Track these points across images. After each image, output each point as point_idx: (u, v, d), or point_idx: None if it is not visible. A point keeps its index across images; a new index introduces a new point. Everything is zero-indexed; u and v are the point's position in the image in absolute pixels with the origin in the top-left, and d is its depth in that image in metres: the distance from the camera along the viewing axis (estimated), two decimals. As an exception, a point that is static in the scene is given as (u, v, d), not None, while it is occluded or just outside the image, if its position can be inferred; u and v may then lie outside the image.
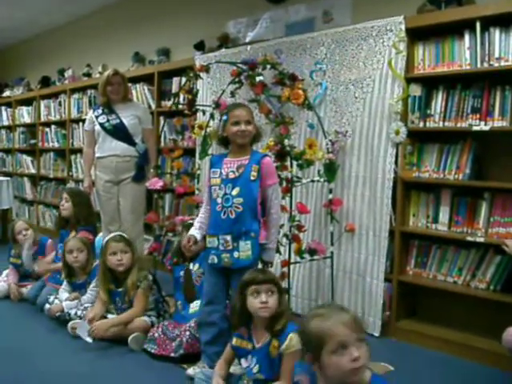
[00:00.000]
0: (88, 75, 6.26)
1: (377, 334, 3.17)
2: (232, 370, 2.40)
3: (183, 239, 2.73)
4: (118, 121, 4.03)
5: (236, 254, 2.47)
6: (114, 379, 2.61)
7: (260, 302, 2.19)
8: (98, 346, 2.95)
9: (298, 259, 3.15)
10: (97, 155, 4.12)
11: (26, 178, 7.24)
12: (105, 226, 4.16)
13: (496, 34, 2.78)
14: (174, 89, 4.61)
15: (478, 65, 2.84)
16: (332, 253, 3.32)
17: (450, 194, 3.04)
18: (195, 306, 3.00)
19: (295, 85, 3.17)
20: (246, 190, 2.47)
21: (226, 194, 2.49)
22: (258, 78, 3.20)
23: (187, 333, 2.75)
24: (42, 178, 6.89)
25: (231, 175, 2.51)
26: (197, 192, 4.18)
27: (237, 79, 3.40)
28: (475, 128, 2.85)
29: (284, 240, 3.10)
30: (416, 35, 3.09)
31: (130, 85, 4.45)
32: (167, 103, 4.69)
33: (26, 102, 7.29)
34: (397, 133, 3.07)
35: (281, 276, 3.00)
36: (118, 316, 3.08)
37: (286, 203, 3.09)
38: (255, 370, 2.23)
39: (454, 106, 2.97)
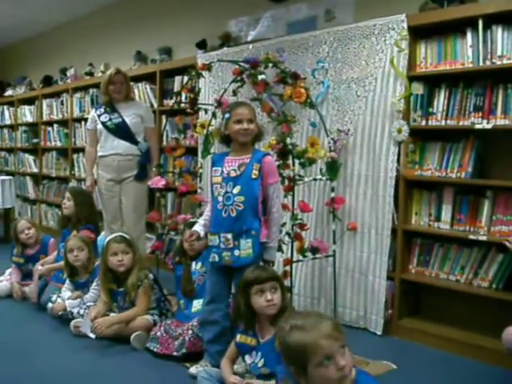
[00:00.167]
0: (90, 74, 6.26)
1: (379, 333, 3.17)
2: (234, 368, 2.40)
3: (186, 235, 2.73)
4: (120, 120, 4.04)
5: (237, 253, 2.47)
6: (116, 378, 2.61)
7: (266, 300, 2.22)
8: (100, 344, 2.95)
9: (301, 258, 3.15)
10: (99, 154, 4.13)
11: (28, 177, 7.25)
12: (107, 224, 4.17)
13: (498, 31, 2.77)
14: (176, 87, 4.61)
15: (481, 63, 2.84)
16: (334, 251, 3.32)
17: (452, 192, 3.04)
18: (198, 305, 3.00)
19: (297, 83, 3.17)
20: (247, 188, 2.47)
21: (227, 192, 2.49)
22: (259, 77, 3.20)
23: (190, 331, 2.75)
24: (45, 177, 6.90)
25: (232, 173, 2.51)
26: (199, 191, 4.18)
27: (239, 78, 3.40)
28: (477, 126, 2.84)
29: (286, 238, 3.10)
30: (418, 33, 3.08)
31: (132, 84, 4.46)
32: (169, 102, 4.68)
33: (28, 101, 7.30)
34: (399, 131, 3.07)
35: (283, 274, 3.00)
36: (121, 314, 3.08)
37: (288, 202, 3.10)
38: (260, 364, 2.24)
39: (457, 104, 2.96)
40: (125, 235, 3.25)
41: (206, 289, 2.68)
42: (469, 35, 2.88)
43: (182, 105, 4.11)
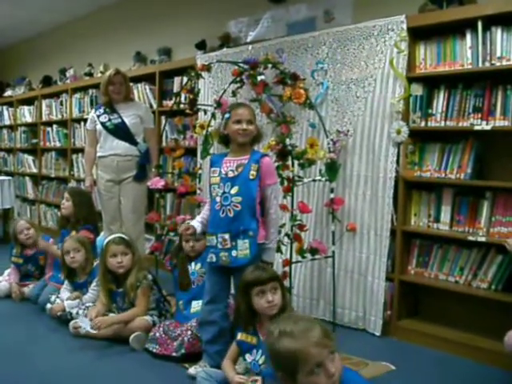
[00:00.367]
0: (89, 75, 6.26)
1: (378, 334, 3.17)
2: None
3: (182, 227, 2.70)
4: (119, 120, 4.03)
5: (234, 253, 2.47)
6: (115, 379, 2.61)
7: (267, 301, 2.23)
8: (99, 345, 2.95)
9: (300, 258, 3.15)
10: (98, 154, 4.13)
11: (27, 178, 7.24)
12: (106, 225, 4.17)
13: (498, 33, 2.77)
14: (176, 88, 4.60)
15: (480, 64, 2.84)
16: (333, 252, 3.32)
17: (451, 193, 3.04)
18: (197, 305, 3.00)
19: (297, 84, 3.17)
20: (244, 188, 2.47)
21: (224, 192, 2.50)
22: (259, 78, 3.20)
23: (189, 332, 2.76)
24: (44, 178, 6.90)
25: (230, 174, 2.51)
26: (198, 192, 4.18)
27: (238, 79, 3.40)
28: (477, 127, 2.84)
29: (285, 239, 3.10)
30: (418, 34, 3.08)
31: (131, 84, 4.46)
32: (169, 103, 4.69)
33: (28, 102, 7.30)
34: (398, 132, 3.07)
35: (282, 275, 3.00)
36: (120, 314, 3.08)
37: (287, 202, 3.10)
38: (261, 361, 2.25)
39: (456, 105, 2.97)
40: (124, 236, 3.25)
41: (205, 289, 2.68)
42: (468, 36, 2.88)
43: (182, 105, 4.11)
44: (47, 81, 7.07)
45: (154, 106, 4.89)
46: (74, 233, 3.81)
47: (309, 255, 3.15)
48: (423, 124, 3.09)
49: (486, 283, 2.88)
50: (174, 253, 3.29)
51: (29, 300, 3.75)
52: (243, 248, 2.46)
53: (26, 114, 7.28)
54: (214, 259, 2.52)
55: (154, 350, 2.83)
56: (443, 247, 3.08)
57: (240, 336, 2.35)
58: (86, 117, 5.33)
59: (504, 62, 2.76)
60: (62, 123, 6.45)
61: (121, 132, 4.03)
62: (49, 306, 3.42)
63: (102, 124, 4.05)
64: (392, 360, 2.75)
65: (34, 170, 7.08)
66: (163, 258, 4.40)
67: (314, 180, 3.32)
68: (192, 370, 2.56)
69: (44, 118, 6.85)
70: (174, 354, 2.76)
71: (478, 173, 2.96)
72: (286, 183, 3.05)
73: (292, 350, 1.56)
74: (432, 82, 3.08)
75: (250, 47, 3.85)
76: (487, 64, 2.81)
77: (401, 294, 3.18)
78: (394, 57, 3.08)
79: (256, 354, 2.29)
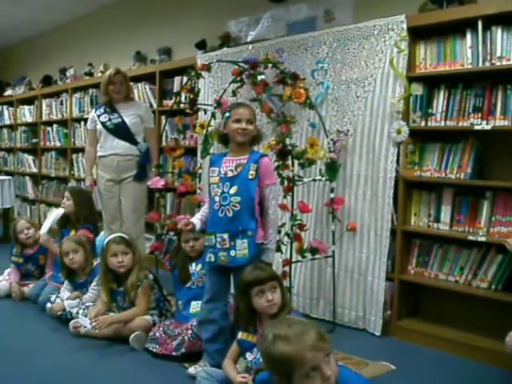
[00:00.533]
0: (90, 74, 6.26)
1: (378, 333, 3.17)
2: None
3: (181, 223, 2.68)
4: (119, 120, 4.03)
5: (233, 253, 2.47)
6: (115, 378, 2.61)
7: (266, 300, 2.24)
8: (99, 344, 2.95)
9: (300, 258, 3.15)
10: (98, 154, 4.13)
11: (27, 177, 7.24)
12: (106, 225, 4.17)
13: (498, 32, 2.77)
14: (176, 88, 4.61)
15: (480, 64, 2.84)
16: (333, 252, 3.32)
17: (451, 193, 3.04)
18: (196, 306, 2.99)
19: (297, 84, 3.17)
20: (243, 188, 2.47)
21: (223, 192, 2.49)
22: (259, 77, 3.20)
23: (189, 331, 2.76)
24: (44, 177, 6.90)
25: (229, 174, 2.51)
26: (198, 191, 4.18)
27: (238, 78, 3.40)
28: (477, 127, 2.84)
29: (285, 239, 3.10)
30: (418, 34, 3.08)
31: (131, 84, 4.46)
32: (169, 102, 4.69)
33: (28, 101, 7.30)
34: (398, 132, 3.07)
35: (282, 275, 3.00)
36: (120, 313, 3.08)
37: (287, 202, 3.10)
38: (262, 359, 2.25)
39: (456, 105, 2.96)
40: (124, 235, 3.25)
41: (204, 288, 2.68)
42: (468, 36, 2.88)
43: (182, 105, 4.11)
44: (47, 80, 7.07)
45: (154, 105, 4.89)
46: (73, 232, 3.81)
47: (309, 255, 3.15)
48: (423, 124, 3.08)
49: (485, 283, 2.88)
50: (174, 253, 3.30)
51: (29, 300, 3.75)
52: (242, 248, 2.46)
53: (26, 114, 7.28)
54: (213, 259, 2.52)
55: (154, 350, 2.83)
56: (443, 247, 3.08)
57: (240, 335, 2.35)
58: (86, 116, 5.33)
59: (504, 62, 2.76)
60: (62, 123, 6.45)
61: (121, 132, 4.03)
62: (49, 305, 3.42)
63: (103, 124, 4.05)
64: (392, 360, 2.76)
65: (34, 170, 7.08)
66: (163, 257, 4.40)
67: (314, 180, 3.32)
68: (192, 370, 2.56)
69: (44, 118, 6.85)
70: (173, 354, 2.76)
71: (478, 173, 2.96)
72: (286, 183, 3.05)
73: (287, 354, 1.54)
74: (432, 82, 3.08)
75: (250, 47, 3.84)
76: (487, 64, 2.81)
77: (401, 293, 3.18)
78: (394, 56, 3.08)
79: (257, 353, 2.28)
